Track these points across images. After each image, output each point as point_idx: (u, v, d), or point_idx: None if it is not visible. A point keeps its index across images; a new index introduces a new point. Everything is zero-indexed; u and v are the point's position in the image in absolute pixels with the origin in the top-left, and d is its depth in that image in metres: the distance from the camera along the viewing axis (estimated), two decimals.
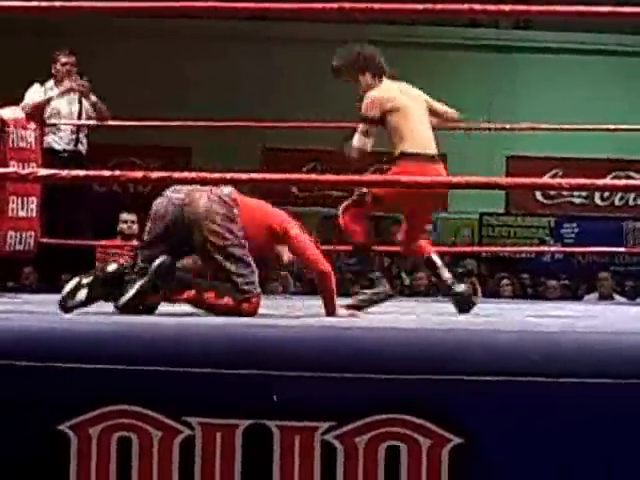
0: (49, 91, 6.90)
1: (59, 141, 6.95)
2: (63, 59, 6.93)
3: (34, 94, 6.84)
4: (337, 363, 2.66)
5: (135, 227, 7.87)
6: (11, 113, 6.23)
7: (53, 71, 6.98)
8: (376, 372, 2.64)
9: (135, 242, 7.72)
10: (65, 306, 3.89)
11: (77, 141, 6.97)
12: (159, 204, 4.20)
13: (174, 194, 4.17)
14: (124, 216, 7.72)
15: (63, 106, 6.96)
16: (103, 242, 7.54)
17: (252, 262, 4.13)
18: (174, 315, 3.80)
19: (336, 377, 2.64)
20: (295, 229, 4.31)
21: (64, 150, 6.93)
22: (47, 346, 2.75)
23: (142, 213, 8.34)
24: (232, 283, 4.05)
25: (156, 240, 4.17)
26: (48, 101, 6.81)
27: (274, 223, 4.30)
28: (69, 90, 6.83)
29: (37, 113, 6.70)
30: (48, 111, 6.87)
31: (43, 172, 3.13)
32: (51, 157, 6.67)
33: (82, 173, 3.18)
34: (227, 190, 4.22)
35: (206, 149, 11.12)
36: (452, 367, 2.67)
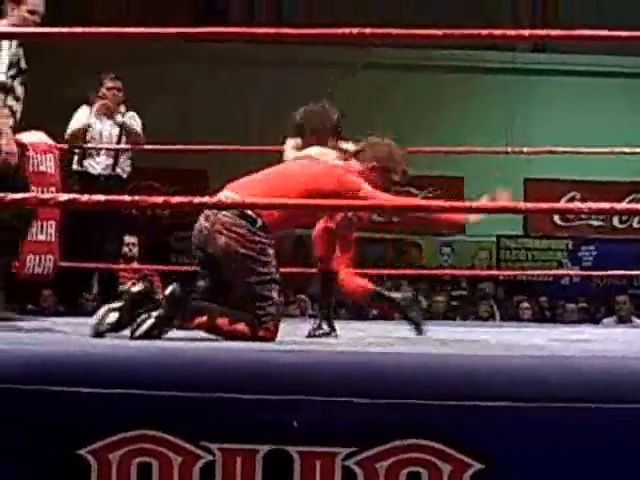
0: (91, 116, 6.91)
1: (96, 166, 6.93)
2: (109, 83, 6.94)
3: (79, 119, 6.86)
4: (358, 388, 2.65)
5: (135, 250, 7.86)
6: (29, 138, 6.25)
7: (100, 94, 6.98)
8: (396, 397, 2.64)
9: (136, 265, 7.75)
10: (97, 331, 3.88)
11: (115, 165, 6.93)
12: (194, 232, 4.14)
13: (202, 221, 4.09)
14: (126, 239, 7.65)
15: (104, 129, 6.95)
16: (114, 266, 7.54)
17: (275, 293, 4.05)
18: (193, 340, 3.80)
19: (356, 402, 2.63)
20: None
21: (99, 175, 6.90)
22: (67, 371, 2.76)
23: (143, 235, 8.36)
24: (250, 312, 4.01)
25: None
26: (86, 128, 6.83)
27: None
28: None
29: (78, 138, 6.72)
30: (89, 134, 6.89)
31: (64, 197, 3.14)
32: (86, 181, 6.68)
33: (102, 198, 3.19)
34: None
35: (222, 172, 11.15)
36: (472, 392, 2.66)
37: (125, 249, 7.62)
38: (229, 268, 4.03)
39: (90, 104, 6.93)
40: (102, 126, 6.92)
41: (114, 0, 12.00)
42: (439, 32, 3.16)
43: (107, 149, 6.88)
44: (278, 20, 11.78)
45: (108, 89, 6.92)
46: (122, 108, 6.98)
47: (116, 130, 6.93)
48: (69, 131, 6.74)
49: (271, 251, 4.07)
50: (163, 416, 2.68)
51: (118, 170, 6.91)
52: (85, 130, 6.82)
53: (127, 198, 3.42)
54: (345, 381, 2.68)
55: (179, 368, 2.76)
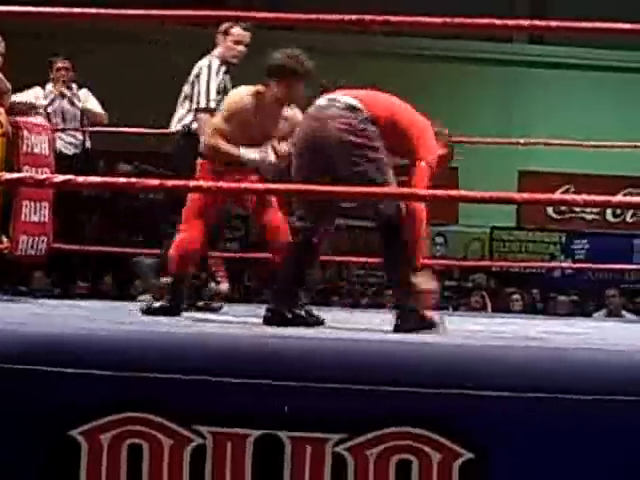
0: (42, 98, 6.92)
1: (69, 146, 6.97)
2: (59, 64, 6.98)
3: (29, 95, 6.86)
4: (349, 375, 2.66)
5: None
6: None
7: (51, 76, 7.02)
8: (388, 385, 2.64)
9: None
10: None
11: (84, 143, 7.00)
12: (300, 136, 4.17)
13: (311, 121, 4.14)
14: None
15: (66, 109, 7.00)
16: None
17: (391, 176, 4.00)
18: (188, 324, 3.80)
19: (348, 389, 2.64)
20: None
21: (74, 155, 6.94)
22: (58, 352, 2.76)
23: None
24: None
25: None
26: (30, 107, 6.77)
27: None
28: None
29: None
30: (52, 116, 6.90)
31: (60, 178, 3.13)
32: (62, 162, 6.66)
33: (98, 180, 3.18)
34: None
35: None
36: (464, 381, 2.66)
37: None
38: (343, 159, 3.98)
39: (42, 87, 6.97)
40: (62, 106, 6.97)
41: None
42: (438, 20, 3.16)
43: (75, 129, 6.92)
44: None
45: (57, 70, 6.95)
46: (74, 87, 7.02)
47: (77, 108, 6.99)
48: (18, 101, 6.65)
49: (379, 143, 4.03)
50: (154, 399, 2.69)
51: (87, 145, 6.95)
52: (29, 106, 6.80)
53: (123, 180, 3.41)
54: (336, 368, 2.68)
55: (171, 351, 2.77)
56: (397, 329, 3.89)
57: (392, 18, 3.24)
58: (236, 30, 5.43)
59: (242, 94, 4.59)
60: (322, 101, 4.13)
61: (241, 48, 5.45)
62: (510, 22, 3.29)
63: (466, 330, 4.63)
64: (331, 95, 4.15)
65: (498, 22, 3.19)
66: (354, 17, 3.24)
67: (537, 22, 3.37)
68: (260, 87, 4.54)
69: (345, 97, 4.09)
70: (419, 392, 2.64)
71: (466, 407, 2.64)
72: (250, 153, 4.55)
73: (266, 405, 2.64)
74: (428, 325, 3.90)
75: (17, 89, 6.61)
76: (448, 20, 3.15)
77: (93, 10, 3.36)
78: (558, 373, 2.70)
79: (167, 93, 5.77)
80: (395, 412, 2.64)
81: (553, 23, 3.22)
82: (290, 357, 2.72)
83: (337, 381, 2.63)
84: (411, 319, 3.90)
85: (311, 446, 2.63)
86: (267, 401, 2.64)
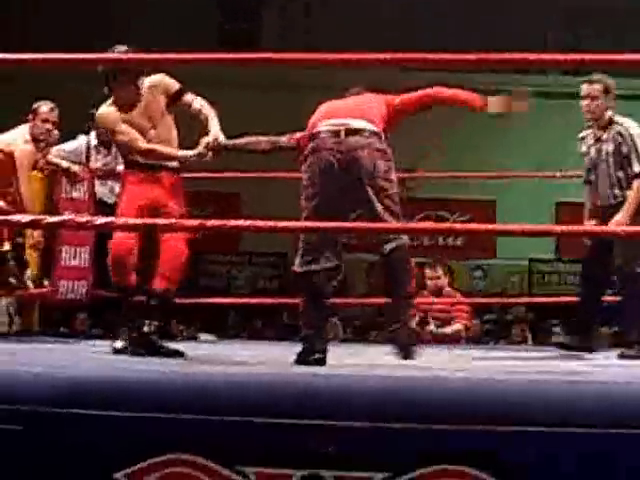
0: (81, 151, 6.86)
1: (110, 195, 6.90)
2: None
3: (72, 149, 6.82)
4: (392, 414, 2.65)
5: None
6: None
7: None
8: (430, 423, 2.63)
9: None
10: None
11: None
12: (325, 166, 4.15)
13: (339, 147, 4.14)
14: None
15: (106, 163, 6.93)
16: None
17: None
18: (229, 365, 3.80)
19: (390, 428, 2.63)
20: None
21: (115, 203, 6.88)
22: (101, 394, 2.77)
23: None
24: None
25: None
26: (56, 166, 6.51)
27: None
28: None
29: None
30: (93, 163, 6.85)
31: (101, 220, 3.16)
32: (102, 209, 6.63)
33: (139, 221, 3.21)
34: None
35: (255, 196, 11.17)
36: (505, 418, 2.64)
37: None
38: (377, 185, 4.05)
39: (87, 133, 6.88)
40: (105, 158, 6.88)
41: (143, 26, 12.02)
42: (472, 57, 3.17)
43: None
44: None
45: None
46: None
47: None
48: (52, 159, 6.41)
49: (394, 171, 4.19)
50: (199, 440, 2.69)
51: None
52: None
53: (163, 221, 3.44)
54: (380, 407, 2.67)
55: (215, 392, 2.77)
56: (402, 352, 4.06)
57: (428, 55, 3.26)
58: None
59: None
60: (336, 129, 4.12)
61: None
62: (546, 56, 3.28)
63: (507, 365, 4.61)
64: (341, 121, 4.15)
65: (533, 56, 3.19)
66: (388, 56, 3.26)
67: (573, 56, 3.36)
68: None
69: (361, 122, 4.13)
70: (460, 429, 2.62)
71: (508, 443, 2.62)
72: (183, 151, 4.70)
73: (310, 445, 2.63)
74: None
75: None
76: (483, 56, 3.17)
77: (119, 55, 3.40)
78: (600, 408, 2.67)
79: None
80: (438, 450, 2.62)
81: (587, 56, 3.23)
82: (333, 396, 2.71)
83: (381, 420, 2.62)
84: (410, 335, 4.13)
85: None
86: (311, 441, 2.63)
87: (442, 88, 4.44)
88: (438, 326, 7.44)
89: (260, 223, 3.61)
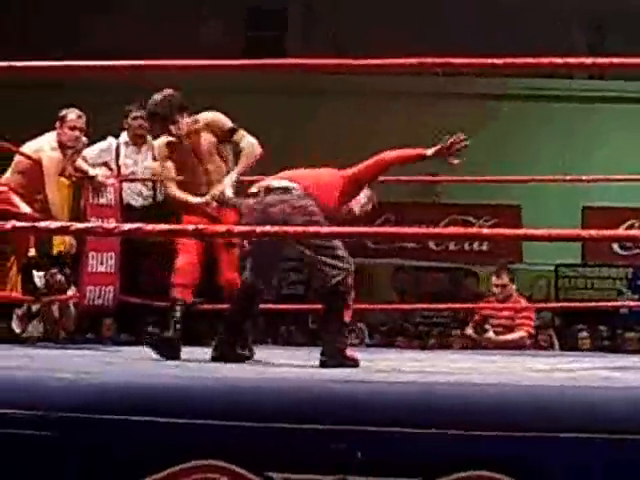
0: (110, 153, 6.88)
1: (137, 198, 6.97)
2: (135, 112, 6.89)
3: (100, 152, 6.85)
4: (422, 419, 2.64)
5: None
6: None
7: (125, 125, 6.99)
8: (461, 428, 2.61)
9: None
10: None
11: (154, 195, 6.95)
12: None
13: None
14: None
15: (135, 162, 6.95)
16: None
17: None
18: (257, 371, 3.80)
19: (421, 433, 2.62)
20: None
21: (142, 207, 6.93)
22: (132, 400, 2.77)
23: None
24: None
25: None
26: (84, 173, 6.54)
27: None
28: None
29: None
30: (123, 168, 6.88)
31: (127, 226, 3.16)
32: (130, 214, 6.66)
33: (166, 227, 3.20)
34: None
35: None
36: (536, 424, 2.63)
37: None
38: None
39: (116, 137, 6.93)
40: (132, 158, 6.91)
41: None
42: (499, 61, 3.16)
43: (147, 180, 6.86)
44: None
45: (134, 119, 6.92)
46: (149, 138, 6.78)
47: (149, 161, 6.86)
48: (81, 165, 6.48)
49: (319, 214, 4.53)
50: (227, 446, 2.68)
51: (159, 198, 6.86)
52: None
53: (190, 227, 3.44)
54: (410, 412, 2.66)
55: (243, 397, 2.77)
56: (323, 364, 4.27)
57: (454, 60, 3.25)
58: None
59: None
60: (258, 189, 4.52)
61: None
62: (571, 60, 3.27)
63: (536, 370, 4.59)
64: (263, 183, 4.54)
65: (559, 61, 3.18)
66: (418, 60, 3.26)
67: (600, 60, 3.35)
68: None
69: (278, 181, 4.51)
70: (494, 435, 2.61)
71: (543, 449, 2.61)
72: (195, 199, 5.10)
73: (338, 450, 2.63)
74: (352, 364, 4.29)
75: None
76: (509, 60, 3.16)
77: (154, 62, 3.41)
78: (630, 413, 2.65)
79: None
80: (470, 455, 2.61)
81: (615, 60, 3.21)
82: (361, 402, 2.71)
83: (410, 425, 2.62)
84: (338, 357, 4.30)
85: None
86: (339, 446, 2.63)
87: (387, 152, 4.66)
88: (498, 333, 7.42)
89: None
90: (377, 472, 2.61)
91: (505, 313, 7.61)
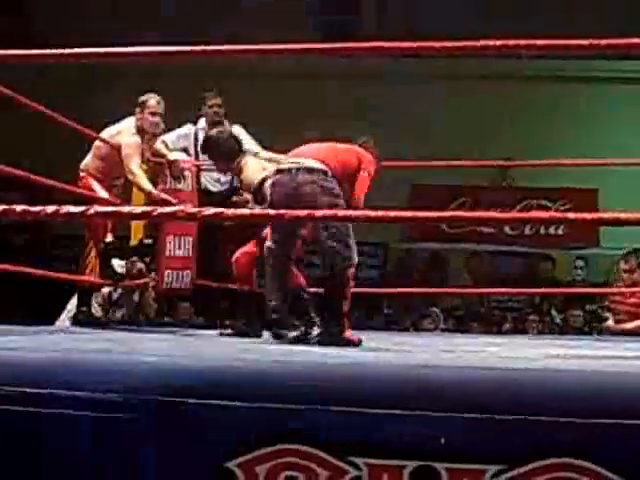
0: (189, 139, 6.93)
1: (216, 184, 6.99)
2: (212, 100, 6.97)
3: (178, 138, 6.90)
4: (506, 405, 2.62)
5: None
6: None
7: (202, 112, 7.03)
8: (546, 415, 2.60)
9: None
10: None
11: (232, 180, 6.93)
12: None
13: None
14: None
15: None
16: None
17: None
18: (340, 356, 3.80)
19: (506, 420, 2.60)
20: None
21: (219, 192, 6.94)
22: (214, 384, 2.80)
23: None
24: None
25: None
26: (163, 157, 6.60)
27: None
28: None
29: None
30: (201, 156, 6.88)
31: (210, 211, 3.18)
32: (207, 199, 6.69)
33: (246, 212, 3.22)
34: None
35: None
36: (622, 411, 2.60)
37: None
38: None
39: (194, 123, 6.97)
40: None
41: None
42: (585, 42, 3.12)
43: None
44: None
45: (210, 107, 6.96)
46: (226, 123, 6.87)
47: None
48: (160, 148, 6.57)
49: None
50: (309, 430, 2.70)
51: (235, 183, 6.84)
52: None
53: (271, 212, 3.45)
54: (495, 398, 2.65)
55: (327, 381, 2.78)
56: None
57: (538, 42, 3.21)
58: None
59: None
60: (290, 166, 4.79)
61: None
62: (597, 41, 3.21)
63: (616, 356, 4.53)
64: (294, 160, 4.83)
65: (585, 42, 3.12)
66: (494, 42, 3.23)
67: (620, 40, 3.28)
68: None
69: (309, 161, 4.77)
70: (577, 422, 2.58)
71: (626, 437, 2.58)
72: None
73: (422, 436, 2.62)
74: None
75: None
76: (594, 42, 3.11)
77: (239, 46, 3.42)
78: None
79: None
80: (553, 442, 2.59)
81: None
82: (446, 387, 2.70)
83: (496, 411, 2.60)
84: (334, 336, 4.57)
85: (468, 478, 2.60)
86: (423, 432, 2.62)
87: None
88: (618, 321, 7.34)
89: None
90: (461, 458, 2.61)
91: (631, 300, 7.49)
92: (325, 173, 4.72)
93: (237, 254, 5.57)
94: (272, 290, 4.82)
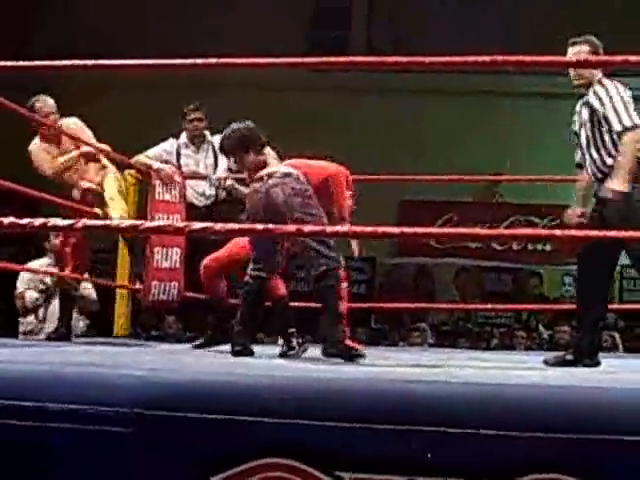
0: (171, 154, 6.87)
1: (200, 198, 6.87)
2: (191, 115, 6.83)
3: (162, 152, 6.82)
4: (492, 421, 2.62)
5: None
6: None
7: (184, 126, 6.88)
8: (531, 431, 2.60)
9: None
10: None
11: (217, 195, 6.86)
12: None
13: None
14: None
15: (196, 162, 6.91)
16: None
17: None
18: (327, 370, 3.80)
19: (490, 435, 2.60)
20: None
21: (204, 206, 6.84)
22: (200, 397, 2.79)
23: None
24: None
25: None
26: (148, 168, 6.65)
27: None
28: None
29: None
30: (183, 169, 6.82)
31: (198, 225, 3.18)
32: (192, 213, 6.60)
33: (236, 226, 3.22)
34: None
35: None
36: (608, 426, 2.60)
37: None
38: (294, 218, 4.63)
39: (177, 137, 6.89)
40: (192, 158, 6.86)
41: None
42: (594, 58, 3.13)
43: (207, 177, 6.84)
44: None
45: (190, 121, 6.84)
46: (208, 135, 6.83)
47: (211, 160, 6.82)
48: (142, 160, 6.64)
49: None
50: (296, 445, 2.69)
51: (222, 195, 6.80)
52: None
53: (260, 227, 3.46)
54: (480, 414, 2.65)
55: (314, 397, 2.77)
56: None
57: (526, 58, 3.23)
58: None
59: None
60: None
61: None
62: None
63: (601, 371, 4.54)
64: (267, 170, 4.80)
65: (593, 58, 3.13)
66: (490, 57, 3.24)
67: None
68: None
69: (280, 167, 4.82)
70: (561, 438, 2.58)
71: (609, 452, 2.58)
72: None
73: (408, 451, 2.62)
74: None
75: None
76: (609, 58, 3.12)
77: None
78: None
79: None
80: (537, 458, 2.59)
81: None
82: (432, 402, 2.70)
83: (480, 427, 2.60)
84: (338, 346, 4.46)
85: None
86: (409, 447, 2.62)
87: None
88: None
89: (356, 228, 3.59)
90: (446, 473, 2.61)
91: None
92: (296, 177, 4.75)
93: (206, 260, 5.39)
94: (241, 322, 4.80)
